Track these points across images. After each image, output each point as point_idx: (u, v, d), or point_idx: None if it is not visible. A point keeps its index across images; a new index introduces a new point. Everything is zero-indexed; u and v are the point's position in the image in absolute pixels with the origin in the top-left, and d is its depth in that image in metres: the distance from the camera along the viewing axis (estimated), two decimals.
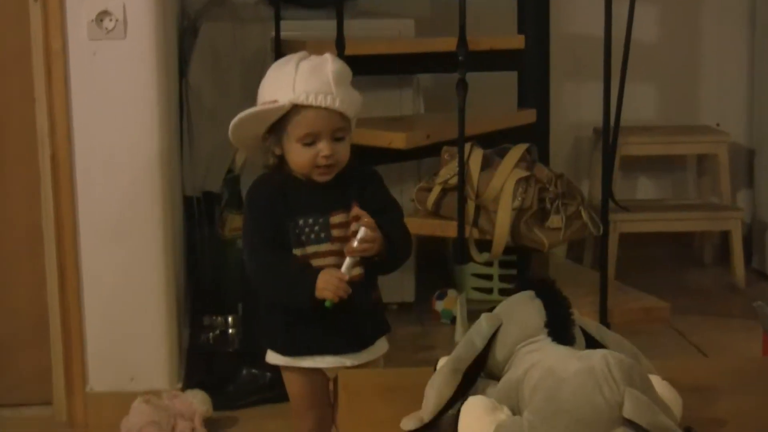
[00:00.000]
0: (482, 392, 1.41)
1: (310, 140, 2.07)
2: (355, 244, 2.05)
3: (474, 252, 3.11)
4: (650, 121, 4.49)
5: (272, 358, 2.21)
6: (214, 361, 3.39)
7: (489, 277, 3.79)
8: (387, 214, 2.13)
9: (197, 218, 3.69)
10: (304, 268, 2.09)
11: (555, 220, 3.05)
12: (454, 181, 3.07)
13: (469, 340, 1.42)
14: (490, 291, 3.80)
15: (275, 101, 2.08)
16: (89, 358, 2.98)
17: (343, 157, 2.11)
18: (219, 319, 3.56)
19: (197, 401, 2.92)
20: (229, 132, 2.13)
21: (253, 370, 3.07)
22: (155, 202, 2.92)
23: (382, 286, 2.24)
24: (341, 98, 2.07)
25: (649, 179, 4.60)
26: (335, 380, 2.17)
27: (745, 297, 4.07)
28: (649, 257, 4.43)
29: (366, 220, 2.07)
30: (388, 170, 3.36)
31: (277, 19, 3.34)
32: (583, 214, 3.10)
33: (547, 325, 1.41)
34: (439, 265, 4.09)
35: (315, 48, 3.11)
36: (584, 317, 1.46)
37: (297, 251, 2.10)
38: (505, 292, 3.48)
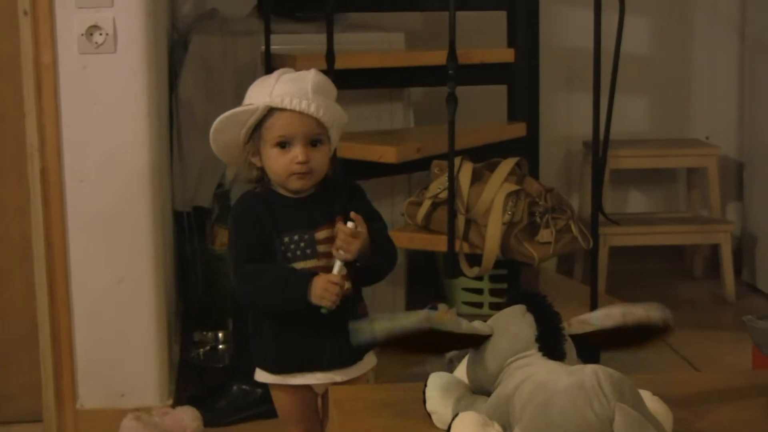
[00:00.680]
0: (473, 408, 1.41)
1: (283, 142, 2.06)
2: (338, 242, 2.04)
3: (464, 266, 3.11)
4: (640, 134, 4.50)
5: (261, 376, 2.19)
6: (205, 376, 3.38)
7: (480, 291, 3.79)
8: (371, 224, 2.11)
9: (188, 233, 3.68)
10: (294, 269, 2.08)
11: (545, 234, 3.05)
12: (444, 195, 3.07)
13: (458, 321, 1.44)
14: (480, 305, 3.79)
15: (251, 104, 2.08)
16: (79, 375, 2.96)
17: (320, 166, 2.09)
18: (210, 334, 3.56)
19: (188, 417, 2.91)
20: (210, 140, 2.12)
21: (244, 386, 3.05)
22: (145, 216, 2.91)
23: (372, 300, 2.23)
24: (317, 104, 2.06)
25: (639, 192, 4.61)
26: (324, 396, 2.18)
27: (735, 310, 4.08)
28: (639, 270, 4.43)
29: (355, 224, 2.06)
30: (379, 184, 3.37)
31: (267, 32, 3.34)
32: (573, 228, 3.10)
33: (538, 339, 1.41)
34: (430, 279, 4.08)
35: (305, 61, 3.14)
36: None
37: None
38: (495, 306, 3.46)
